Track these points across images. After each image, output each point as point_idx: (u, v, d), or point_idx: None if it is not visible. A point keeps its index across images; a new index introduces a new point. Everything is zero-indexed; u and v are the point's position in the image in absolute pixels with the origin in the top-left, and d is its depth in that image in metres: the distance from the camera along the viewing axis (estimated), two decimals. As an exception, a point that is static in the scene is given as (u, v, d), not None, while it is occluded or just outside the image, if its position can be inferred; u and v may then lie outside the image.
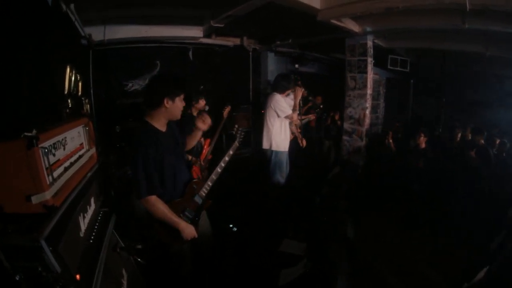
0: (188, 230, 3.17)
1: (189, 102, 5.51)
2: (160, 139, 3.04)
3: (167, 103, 3.00)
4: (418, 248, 5.22)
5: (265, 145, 6.15)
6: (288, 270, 4.59)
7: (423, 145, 6.92)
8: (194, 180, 3.46)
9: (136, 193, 2.99)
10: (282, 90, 6.00)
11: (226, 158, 3.59)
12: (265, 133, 6.15)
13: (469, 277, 3.98)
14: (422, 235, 5.59)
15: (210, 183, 3.46)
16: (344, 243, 5.07)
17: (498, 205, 5.40)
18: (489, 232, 4.61)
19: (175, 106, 3.07)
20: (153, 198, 2.98)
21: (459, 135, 7.67)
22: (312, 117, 8.79)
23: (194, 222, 3.36)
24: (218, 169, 3.48)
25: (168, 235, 3.22)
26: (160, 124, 3.08)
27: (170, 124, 3.25)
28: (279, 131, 6.05)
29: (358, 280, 4.34)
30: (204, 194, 3.44)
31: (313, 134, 10.14)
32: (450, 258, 4.87)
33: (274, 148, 6.07)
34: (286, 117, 5.93)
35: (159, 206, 3.00)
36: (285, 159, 6.26)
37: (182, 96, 3.08)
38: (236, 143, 3.64)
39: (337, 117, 9.28)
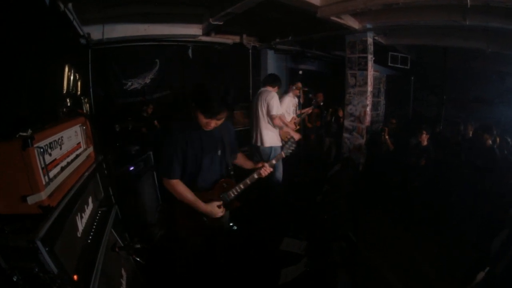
0: (207, 209, 3.27)
1: None
2: (195, 135, 3.14)
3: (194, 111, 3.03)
4: (419, 247, 5.21)
5: (268, 143, 6.18)
6: (289, 268, 4.58)
7: (425, 143, 6.89)
8: (225, 179, 3.46)
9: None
10: (273, 85, 6.21)
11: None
12: (265, 132, 6.17)
13: (469, 277, 3.97)
14: (422, 233, 5.57)
15: (242, 186, 3.45)
16: (345, 241, 5.05)
17: (499, 203, 5.37)
18: (490, 231, 4.59)
19: (199, 118, 3.03)
20: (173, 182, 3.12)
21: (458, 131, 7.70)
22: (309, 110, 8.81)
23: (216, 217, 3.42)
24: (255, 175, 3.46)
25: (190, 224, 3.38)
26: (212, 124, 3.05)
27: (222, 125, 3.21)
28: (274, 126, 6.14)
29: (358, 279, 4.33)
30: (232, 195, 3.44)
31: (314, 132, 10.14)
32: (450, 257, 4.86)
33: (273, 144, 6.14)
34: (272, 115, 5.98)
35: (178, 187, 3.14)
36: None
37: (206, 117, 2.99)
38: (282, 154, 3.64)
39: (340, 113, 9.24)
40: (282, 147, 3.67)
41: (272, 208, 6.38)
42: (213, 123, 3.03)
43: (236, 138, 3.68)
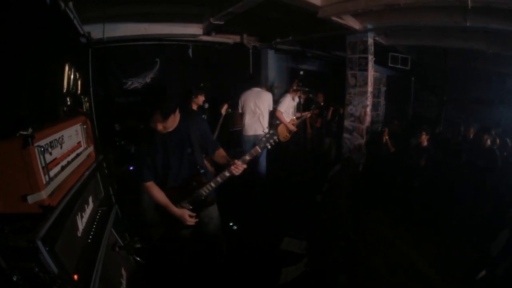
0: (178, 213, 3.42)
1: (189, 97, 5.62)
2: (159, 139, 3.29)
3: None
4: (419, 247, 5.20)
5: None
6: (289, 268, 4.58)
7: (425, 143, 6.90)
8: (194, 177, 3.47)
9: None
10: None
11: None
12: (263, 121, 7.17)
13: (469, 277, 3.96)
14: (422, 233, 5.57)
15: (213, 184, 3.43)
16: (345, 241, 5.05)
17: (499, 204, 5.37)
18: (490, 231, 4.59)
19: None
20: (146, 184, 3.37)
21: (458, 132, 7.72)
22: (308, 114, 8.82)
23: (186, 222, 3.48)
24: (226, 173, 3.36)
25: (168, 221, 3.52)
26: (159, 127, 3.14)
27: (184, 123, 3.36)
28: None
29: (358, 279, 4.32)
30: (204, 193, 3.45)
31: (314, 132, 10.13)
32: (450, 257, 4.86)
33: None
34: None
35: (152, 191, 3.39)
36: None
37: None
38: (257, 149, 3.34)
39: (342, 110, 9.20)
40: (259, 141, 3.40)
41: (258, 204, 6.65)
42: (159, 126, 3.12)
43: (211, 133, 3.74)
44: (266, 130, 6.47)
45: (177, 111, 3.23)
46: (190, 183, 3.45)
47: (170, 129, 3.26)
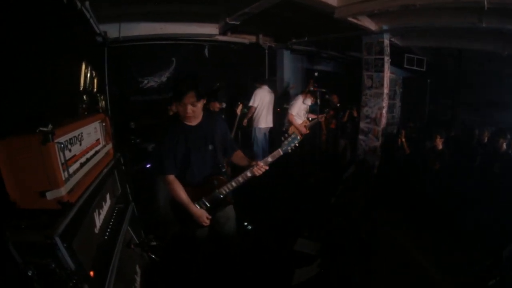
0: (197, 213, 3.37)
1: (209, 99, 5.66)
2: (182, 131, 3.29)
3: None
4: (432, 250, 5.15)
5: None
6: (302, 269, 4.57)
7: (440, 147, 6.82)
8: (216, 176, 3.47)
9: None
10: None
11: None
12: (271, 114, 8.61)
13: (480, 282, 3.92)
14: (436, 237, 5.51)
15: (234, 184, 3.42)
16: (358, 243, 5.02)
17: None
18: (503, 237, 4.53)
19: (177, 110, 3.25)
20: (169, 178, 3.32)
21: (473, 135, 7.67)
22: (321, 118, 8.79)
23: (207, 212, 3.46)
24: (248, 173, 3.37)
25: (184, 219, 3.47)
26: (188, 109, 3.14)
27: (206, 120, 3.41)
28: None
29: (371, 281, 4.30)
30: (224, 192, 3.44)
31: (329, 133, 10.09)
32: (460, 261, 4.80)
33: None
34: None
35: (174, 185, 3.32)
36: None
37: (178, 103, 3.14)
38: (280, 151, 3.36)
39: (355, 113, 9.15)
40: (280, 144, 3.39)
41: (272, 204, 6.71)
42: (189, 108, 3.11)
43: (230, 133, 3.80)
44: (270, 124, 6.86)
45: (205, 100, 3.27)
46: (211, 181, 3.44)
47: (193, 122, 3.31)
